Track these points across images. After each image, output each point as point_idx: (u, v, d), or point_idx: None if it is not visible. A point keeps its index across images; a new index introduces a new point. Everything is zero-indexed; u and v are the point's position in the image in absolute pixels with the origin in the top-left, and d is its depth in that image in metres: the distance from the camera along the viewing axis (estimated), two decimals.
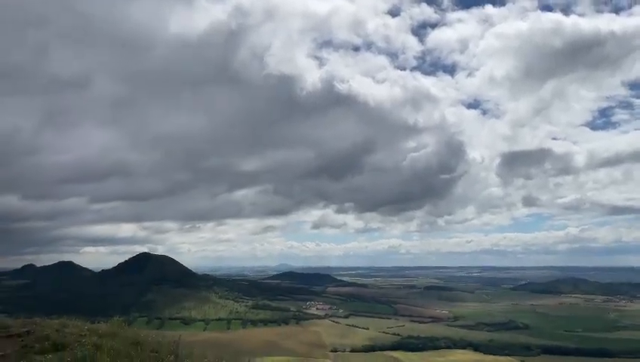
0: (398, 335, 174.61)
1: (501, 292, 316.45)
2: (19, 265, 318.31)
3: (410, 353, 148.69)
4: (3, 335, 8.65)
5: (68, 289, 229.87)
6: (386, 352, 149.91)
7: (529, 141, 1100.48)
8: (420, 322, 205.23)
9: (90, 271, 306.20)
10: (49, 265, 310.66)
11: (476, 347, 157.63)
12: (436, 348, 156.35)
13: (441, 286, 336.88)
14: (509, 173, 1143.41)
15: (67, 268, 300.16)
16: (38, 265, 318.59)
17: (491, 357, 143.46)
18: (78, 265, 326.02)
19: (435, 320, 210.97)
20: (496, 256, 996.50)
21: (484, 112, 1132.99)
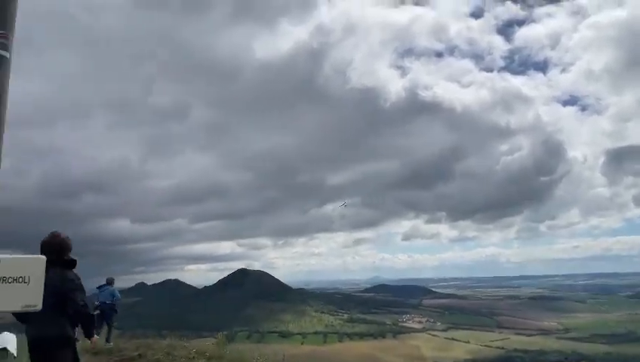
0: (503, 348, 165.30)
1: (617, 300, 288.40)
2: (132, 284, 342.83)
3: None
4: (117, 359, 8.57)
5: (175, 305, 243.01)
6: None
7: (636, 135, 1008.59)
8: (527, 335, 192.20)
9: (193, 287, 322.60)
10: (158, 283, 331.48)
11: (592, 361, 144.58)
12: None
13: (548, 296, 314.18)
14: (616, 172, 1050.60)
15: (174, 285, 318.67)
16: (149, 283, 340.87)
17: None
18: (183, 282, 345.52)
19: (543, 332, 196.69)
20: (609, 261, 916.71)
21: (583, 108, 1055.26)
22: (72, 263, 4.40)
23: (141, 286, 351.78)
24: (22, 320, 4.55)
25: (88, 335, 4.45)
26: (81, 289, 4.36)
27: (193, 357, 8.49)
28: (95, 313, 10.53)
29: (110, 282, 12.22)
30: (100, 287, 11.87)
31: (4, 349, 8.27)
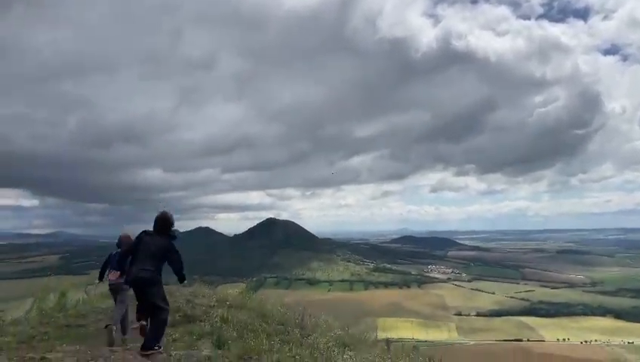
0: (527, 300, 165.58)
1: None
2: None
3: (541, 319, 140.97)
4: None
5: (207, 251, 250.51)
6: (514, 317, 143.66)
7: None
8: (552, 287, 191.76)
9: (224, 235, 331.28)
10: (190, 230, 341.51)
11: (618, 314, 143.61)
12: (571, 314, 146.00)
13: (575, 250, 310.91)
14: None
15: (205, 233, 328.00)
16: (181, 230, 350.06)
17: (637, 324, 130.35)
18: (213, 230, 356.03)
19: (569, 285, 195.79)
20: None
21: (625, 58, 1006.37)
22: (174, 237, 6.44)
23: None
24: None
25: (182, 281, 6.59)
26: (179, 254, 6.36)
27: (213, 306, 9.11)
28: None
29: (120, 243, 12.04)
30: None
31: None
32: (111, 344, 6.42)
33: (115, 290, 7.51)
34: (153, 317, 6.11)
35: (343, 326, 11.26)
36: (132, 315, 7.21)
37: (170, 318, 6.68)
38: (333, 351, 7.24)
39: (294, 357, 6.28)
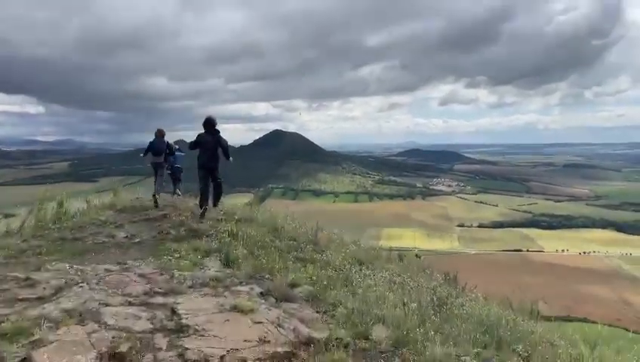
0: (530, 213, 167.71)
1: None
2: (171, 140, 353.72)
3: (542, 231, 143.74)
4: (142, 218, 8.75)
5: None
6: (516, 229, 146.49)
7: None
8: (556, 200, 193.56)
9: (230, 146, 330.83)
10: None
11: (619, 227, 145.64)
12: (572, 226, 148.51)
13: (582, 164, 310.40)
14: None
15: None
16: (187, 140, 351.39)
17: (637, 237, 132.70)
18: None
19: (573, 198, 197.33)
20: None
21: None
22: (218, 132, 9.89)
23: (180, 143, 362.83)
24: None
25: (227, 158, 10.07)
26: (227, 143, 9.95)
27: (220, 219, 8.53)
28: (167, 172, 13.14)
29: (163, 134, 12.59)
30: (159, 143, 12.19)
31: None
32: (156, 206, 9.88)
33: (156, 167, 11.46)
34: (215, 188, 9.91)
35: (356, 241, 10.85)
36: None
37: (174, 232, 6.84)
38: (350, 268, 6.72)
39: (310, 277, 5.72)
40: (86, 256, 6.01)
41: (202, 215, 9.03)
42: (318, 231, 9.23)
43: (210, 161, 9.54)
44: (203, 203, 9.42)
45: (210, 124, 9.76)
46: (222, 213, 9.60)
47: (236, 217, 8.79)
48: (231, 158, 10.26)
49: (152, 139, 11.65)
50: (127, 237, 7.31)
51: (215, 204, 9.79)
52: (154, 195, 10.29)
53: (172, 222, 8.27)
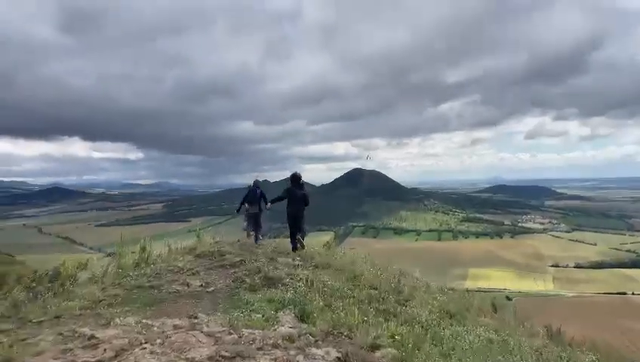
0: (634, 252, 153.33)
1: None
2: (251, 181, 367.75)
3: None
4: (218, 264, 8.76)
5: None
6: (618, 270, 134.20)
7: None
8: None
9: (312, 185, 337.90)
10: (279, 181, 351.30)
11: None
12: None
13: None
14: None
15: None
16: (271, 180, 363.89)
17: None
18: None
19: None
20: None
21: None
22: (302, 186, 11.51)
23: (265, 184, 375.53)
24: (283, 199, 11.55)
25: (307, 205, 11.62)
26: (309, 197, 11.62)
27: (297, 265, 8.30)
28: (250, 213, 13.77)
29: (258, 185, 13.95)
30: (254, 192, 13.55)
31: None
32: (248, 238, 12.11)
33: (252, 217, 13.09)
34: (300, 234, 11.27)
35: (443, 288, 10.01)
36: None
37: (249, 280, 6.52)
38: (439, 323, 6.01)
39: (393, 336, 5.09)
40: (159, 306, 5.84)
41: (294, 249, 10.91)
42: (400, 277, 8.59)
43: (298, 211, 11.35)
44: (294, 241, 11.21)
45: (297, 179, 11.74)
46: (299, 258, 9.48)
47: (314, 263, 8.37)
48: (308, 205, 11.87)
49: (247, 190, 13.38)
50: (201, 285, 7.10)
51: (302, 248, 10.98)
52: (248, 234, 12.73)
53: (248, 268, 8.12)
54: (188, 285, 6.96)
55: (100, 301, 5.86)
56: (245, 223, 13.59)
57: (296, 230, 11.38)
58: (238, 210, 13.67)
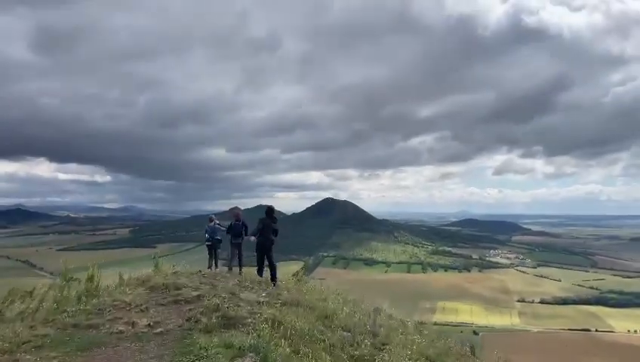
0: (597, 289, 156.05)
1: None
2: (226, 208, 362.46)
3: (611, 309, 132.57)
4: (172, 299, 7.89)
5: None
6: (581, 306, 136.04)
7: None
8: (625, 276, 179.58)
9: (283, 213, 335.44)
10: (251, 208, 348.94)
11: None
12: None
13: None
14: None
15: (264, 211, 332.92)
16: (242, 207, 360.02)
17: None
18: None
19: None
20: None
21: None
22: (275, 220, 11.67)
23: (235, 210, 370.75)
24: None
25: (275, 235, 11.43)
26: (277, 229, 11.49)
27: (261, 302, 7.46)
28: (207, 244, 14.55)
29: (211, 219, 14.98)
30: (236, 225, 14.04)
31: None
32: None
33: (235, 247, 13.25)
34: (271, 269, 11.17)
35: (421, 329, 9.29)
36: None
37: (205, 320, 5.53)
38: None
39: None
40: (94, 351, 4.90)
41: (261, 274, 11.50)
42: (376, 316, 7.83)
43: (266, 241, 11.34)
44: (261, 268, 11.65)
45: (272, 211, 11.89)
46: (264, 294, 8.72)
47: (281, 299, 7.56)
48: (276, 238, 11.67)
49: (230, 223, 13.77)
50: (149, 325, 6.14)
51: (274, 283, 10.75)
52: (230, 268, 12.84)
53: (206, 305, 7.17)
54: (133, 325, 6.00)
55: (24, 343, 4.90)
56: (225, 256, 14.27)
57: (263, 259, 11.57)
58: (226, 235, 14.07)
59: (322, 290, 10.94)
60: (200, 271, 12.11)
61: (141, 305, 7.25)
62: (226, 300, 7.46)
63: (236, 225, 13.60)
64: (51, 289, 7.33)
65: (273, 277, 11.12)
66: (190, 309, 7.11)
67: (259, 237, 11.41)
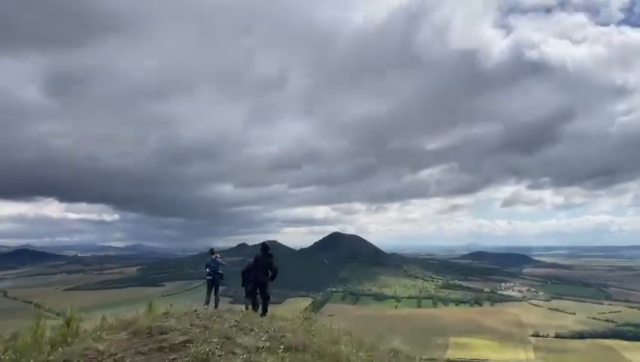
0: (613, 321, 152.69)
1: None
2: (234, 244, 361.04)
3: (628, 342, 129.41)
4: (155, 346, 7.16)
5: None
6: (597, 340, 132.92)
7: None
8: None
9: (291, 249, 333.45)
10: (258, 244, 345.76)
11: None
12: None
13: None
14: None
15: (272, 247, 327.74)
16: (250, 243, 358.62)
17: None
18: (281, 244, 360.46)
19: None
20: None
21: None
22: (271, 256, 11.90)
23: (243, 246, 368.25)
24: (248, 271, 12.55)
25: (273, 279, 11.65)
26: (276, 267, 11.69)
27: (260, 348, 6.83)
28: (208, 279, 14.41)
29: (212, 252, 14.91)
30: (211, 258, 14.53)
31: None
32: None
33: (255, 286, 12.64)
34: (263, 300, 11.49)
35: None
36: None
37: None
38: None
39: None
40: None
41: (253, 306, 11.90)
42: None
43: (257, 277, 11.75)
44: (252, 298, 12.18)
45: (267, 248, 12.32)
46: (264, 338, 7.83)
47: (284, 342, 7.09)
48: (276, 277, 12.01)
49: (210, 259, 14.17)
50: None
51: (263, 314, 10.95)
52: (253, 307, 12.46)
53: (193, 354, 6.38)
54: None
55: None
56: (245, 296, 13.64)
57: (254, 299, 12.09)
58: (242, 284, 13.73)
59: (332, 330, 9.83)
60: (196, 310, 10.77)
61: (116, 354, 6.48)
62: (218, 347, 6.68)
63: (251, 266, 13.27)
64: (20, 334, 6.98)
65: (264, 311, 11.25)
66: (173, 359, 6.36)
67: (255, 272, 11.94)
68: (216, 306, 13.19)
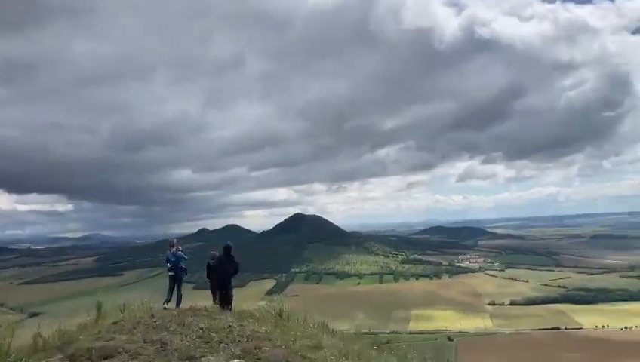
0: (563, 287, 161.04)
1: None
2: (194, 230, 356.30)
3: (577, 306, 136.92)
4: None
5: (237, 248, 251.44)
6: (550, 305, 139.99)
7: None
8: (589, 273, 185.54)
9: (253, 232, 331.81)
10: (219, 228, 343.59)
11: None
12: (609, 300, 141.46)
13: (611, 234, 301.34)
14: None
15: (234, 231, 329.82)
16: (210, 228, 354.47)
17: None
18: (242, 228, 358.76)
19: (607, 270, 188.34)
20: None
21: None
22: (233, 258, 12.12)
23: (203, 232, 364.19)
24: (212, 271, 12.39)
25: (234, 275, 12.12)
26: (238, 266, 12.08)
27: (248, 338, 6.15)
28: (170, 274, 12.53)
29: (173, 245, 12.80)
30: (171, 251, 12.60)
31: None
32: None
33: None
34: (226, 299, 11.59)
35: None
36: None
37: None
38: None
39: None
40: None
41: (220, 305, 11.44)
42: None
43: (225, 282, 11.90)
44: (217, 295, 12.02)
45: (229, 249, 12.30)
46: (238, 352, 6.56)
47: (260, 359, 6.06)
48: (237, 274, 12.33)
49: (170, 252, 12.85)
50: None
51: (230, 307, 11.40)
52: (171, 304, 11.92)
53: None
54: None
55: None
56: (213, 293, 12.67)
57: (221, 289, 12.03)
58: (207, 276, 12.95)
59: (310, 328, 9.34)
60: (153, 316, 8.86)
61: None
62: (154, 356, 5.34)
63: (211, 266, 12.51)
64: None
65: (228, 304, 11.52)
66: None
67: (216, 278, 12.04)
68: (177, 305, 11.78)
